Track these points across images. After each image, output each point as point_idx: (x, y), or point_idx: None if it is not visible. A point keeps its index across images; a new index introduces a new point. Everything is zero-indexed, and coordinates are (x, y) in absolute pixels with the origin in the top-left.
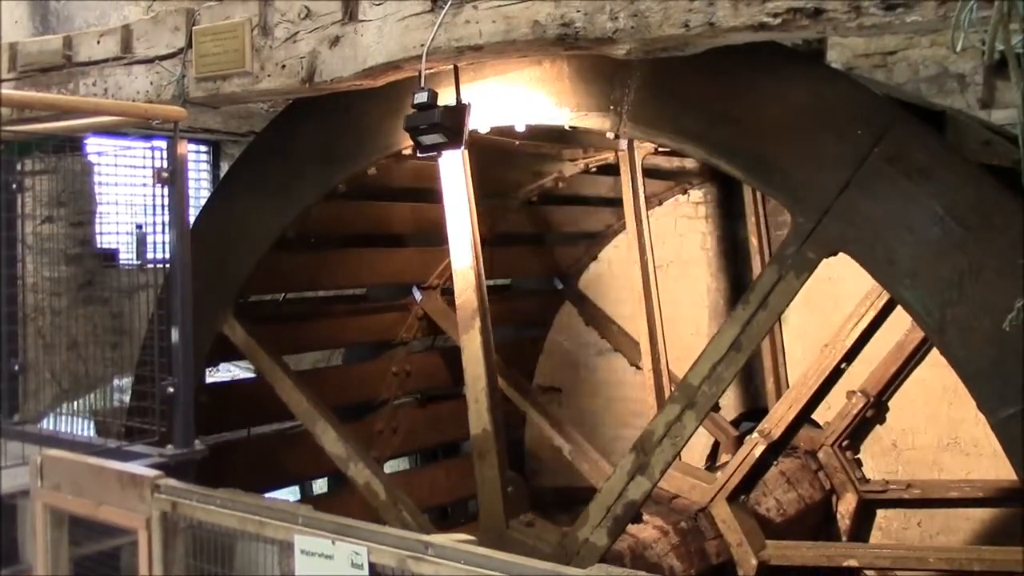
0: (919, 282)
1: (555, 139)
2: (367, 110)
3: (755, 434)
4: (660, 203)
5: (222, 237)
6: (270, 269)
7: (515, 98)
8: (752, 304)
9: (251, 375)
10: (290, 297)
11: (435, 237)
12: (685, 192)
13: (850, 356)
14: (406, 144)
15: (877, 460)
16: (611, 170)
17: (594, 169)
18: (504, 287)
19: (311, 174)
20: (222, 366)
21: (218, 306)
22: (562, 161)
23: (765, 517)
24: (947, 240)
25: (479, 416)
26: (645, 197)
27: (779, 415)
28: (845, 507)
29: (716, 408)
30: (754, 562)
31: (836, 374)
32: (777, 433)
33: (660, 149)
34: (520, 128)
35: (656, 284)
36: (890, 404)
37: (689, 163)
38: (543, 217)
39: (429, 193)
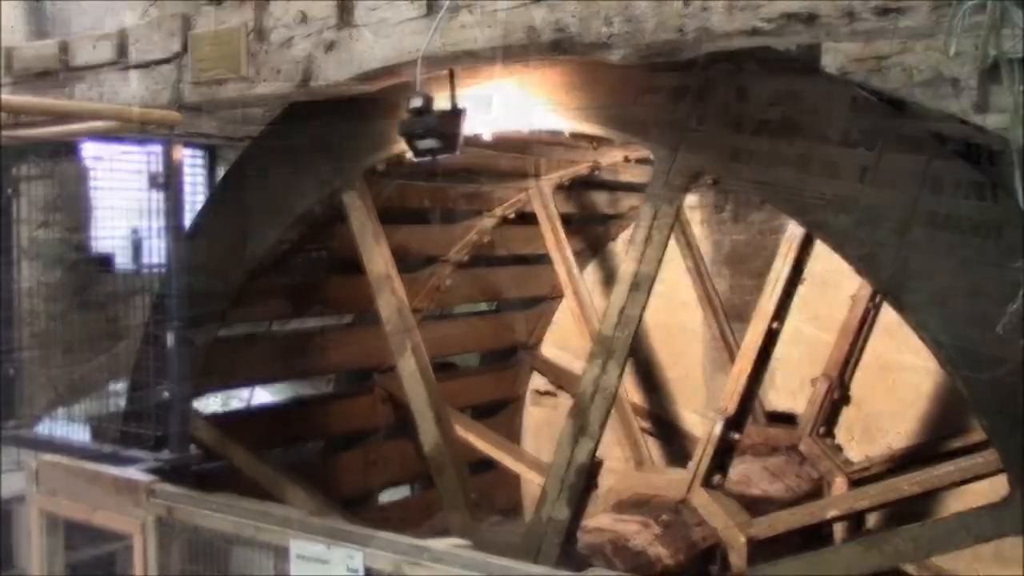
0: (778, 182)
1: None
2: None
3: (711, 413)
4: None
5: None
6: (224, 361)
7: None
8: (639, 243)
9: None
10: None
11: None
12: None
13: (779, 316)
14: (312, 200)
15: None
16: (533, 219)
17: (512, 216)
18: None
19: (234, 256)
20: None
21: None
22: (480, 216)
23: (753, 501)
24: (782, 129)
25: (428, 432)
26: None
27: (731, 390)
28: (837, 492)
29: (632, 352)
30: (743, 540)
31: (771, 336)
32: (732, 408)
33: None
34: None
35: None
36: (885, 408)
37: None
38: (488, 285)
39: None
